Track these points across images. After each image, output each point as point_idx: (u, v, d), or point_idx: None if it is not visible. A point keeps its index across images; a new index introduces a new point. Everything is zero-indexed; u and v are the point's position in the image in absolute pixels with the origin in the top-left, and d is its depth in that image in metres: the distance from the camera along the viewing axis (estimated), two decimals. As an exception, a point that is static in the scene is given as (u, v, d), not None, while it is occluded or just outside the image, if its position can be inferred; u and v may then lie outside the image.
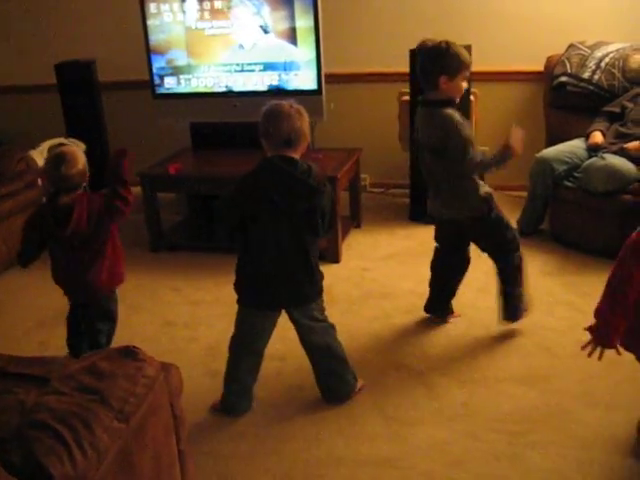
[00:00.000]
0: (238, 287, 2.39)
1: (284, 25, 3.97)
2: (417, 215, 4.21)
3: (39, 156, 4.32)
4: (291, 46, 3.99)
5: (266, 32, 4.01)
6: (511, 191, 4.41)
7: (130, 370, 1.53)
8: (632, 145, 3.54)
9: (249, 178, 2.29)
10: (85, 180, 2.60)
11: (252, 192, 2.25)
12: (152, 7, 4.15)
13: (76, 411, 1.40)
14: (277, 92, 4.10)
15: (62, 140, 4.54)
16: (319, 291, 2.41)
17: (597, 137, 3.72)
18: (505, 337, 2.87)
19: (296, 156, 2.27)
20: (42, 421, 1.39)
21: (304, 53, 3.98)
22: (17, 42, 5.20)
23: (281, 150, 2.26)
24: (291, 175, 2.21)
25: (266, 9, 3.97)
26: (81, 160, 2.57)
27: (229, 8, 4.04)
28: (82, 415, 1.39)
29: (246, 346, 2.43)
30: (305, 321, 2.40)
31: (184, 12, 4.11)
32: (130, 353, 1.58)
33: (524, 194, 3.99)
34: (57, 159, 2.50)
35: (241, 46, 4.09)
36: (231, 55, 4.13)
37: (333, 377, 2.49)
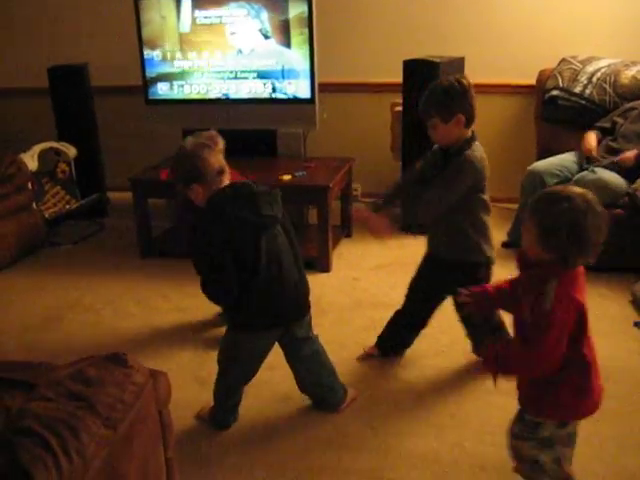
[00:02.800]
0: (245, 314, 2.26)
1: (279, 33, 3.98)
2: (408, 226, 4.22)
3: (30, 160, 4.31)
4: (288, 53, 3.99)
5: (267, 37, 4.01)
6: (501, 203, 4.43)
7: (118, 377, 1.52)
8: (625, 156, 3.56)
9: (219, 219, 2.16)
10: None
11: (236, 224, 2.14)
12: (146, 12, 4.16)
13: (63, 418, 1.39)
14: (270, 100, 4.11)
15: (53, 144, 4.53)
16: (310, 304, 2.41)
17: (591, 140, 3.72)
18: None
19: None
20: (28, 427, 1.38)
21: (298, 62, 3.98)
22: (9, 45, 5.18)
23: (219, 182, 2.23)
24: (252, 188, 2.20)
25: (263, 15, 3.98)
26: None
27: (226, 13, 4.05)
28: (69, 422, 1.38)
29: (246, 372, 2.39)
30: (302, 333, 2.38)
31: (179, 18, 4.11)
32: (118, 360, 1.56)
33: (514, 206, 4.01)
34: None
35: (240, 51, 4.09)
36: (227, 61, 4.13)
37: (323, 388, 2.48)
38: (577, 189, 1.74)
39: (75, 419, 1.39)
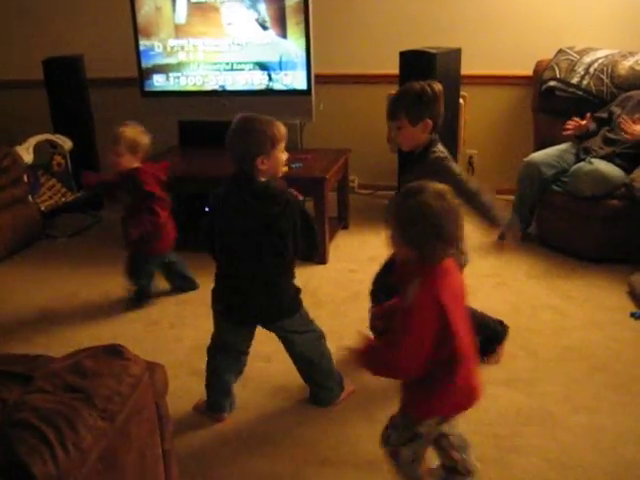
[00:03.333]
0: (213, 296, 2.42)
1: (275, 24, 3.96)
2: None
3: (25, 152, 4.29)
4: (284, 44, 3.98)
5: (265, 28, 3.99)
6: (498, 194, 4.42)
7: (115, 369, 1.51)
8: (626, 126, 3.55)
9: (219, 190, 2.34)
10: None
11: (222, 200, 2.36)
12: (141, 2, 4.14)
13: (60, 410, 1.38)
14: (267, 92, 4.10)
15: (49, 136, 4.52)
16: (292, 308, 2.38)
17: (587, 120, 3.72)
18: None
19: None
20: (25, 420, 1.37)
21: (295, 53, 3.97)
22: (4, 37, 5.16)
23: None
24: (255, 182, 2.28)
25: (260, 5, 3.96)
26: None
27: (221, 3, 4.03)
28: (66, 414, 1.37)
29: (222, 348, 2.43)
30: (283, 334, 2.40)
31: (174, 8, 4.09)
32: (116, 352, 1.56)
33: (511, 197, 4.00)
34: None
35: (236, 42, 4.08)
36: (223, 52, 4.11)
37: (315, 386, 2.49)
38: (433, 184, 1.72)
39: (72, 411, 1.38)
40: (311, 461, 2.20)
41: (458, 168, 2.47)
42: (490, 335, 2.69)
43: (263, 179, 2.22)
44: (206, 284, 3.42)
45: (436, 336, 1.66)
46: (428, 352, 1.66)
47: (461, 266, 2.49)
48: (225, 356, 2.42)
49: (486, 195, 2.42)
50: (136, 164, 3.18)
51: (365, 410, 2.45)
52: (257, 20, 3.99)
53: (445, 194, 1.69)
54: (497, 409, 2.41)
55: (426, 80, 2.46)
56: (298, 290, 2.40)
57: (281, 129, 2.23)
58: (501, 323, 2.74)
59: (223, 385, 2.44)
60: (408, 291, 1.70)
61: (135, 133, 3.19)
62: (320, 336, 2.47)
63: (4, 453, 1.31)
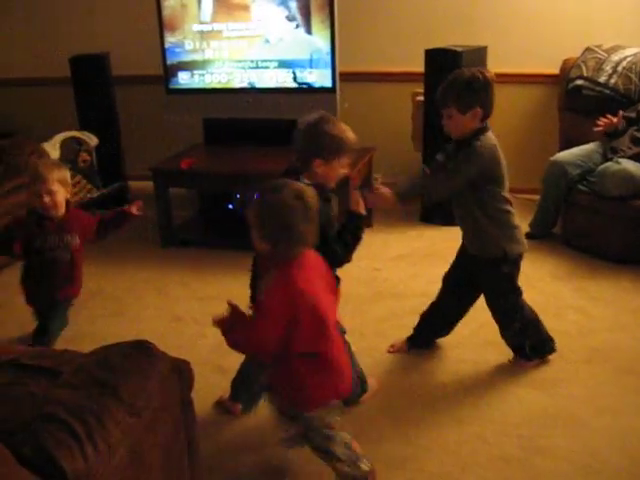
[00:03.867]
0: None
1: (301, 22, 3.96)
2: (428, 216, 4.20)
3: (52, 149, 4.34)
4: (309, 42, 3.98)
5: (297, 26, 3.98)
6: (523, 194, 4.39)
7: (143, 365, 1.53)
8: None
9: None
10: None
11: None
12: (167, 1, 4.16)
13: (88, 405, 1.40)
14: (291, 89, 4.10)
15: (75, 133, 4.56)
16: None
17: (618, 118, 3.62)
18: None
19: None
20: (54, 414, 1.39)
21: (320, 50, 3.97)
22: (33, 35, 5.21)
23: None
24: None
25: (290, 2, 3.96)
26: None
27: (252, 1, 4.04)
28: (94, 409, 1.39)
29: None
30: None
31: (200, 6, 4.11)
32: (143, 348, 1.57)
33: (536, 197, 3.97)
34: None
35: (266, 40, 4.08)
36: (248, 50, 4.13)
37: None
38: (295, 183, 1.86)
39: (100, 406, 1.40)
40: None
41: (485, 166, 2.41)
42: (536, 344, 2.67)
43: (308, 181, 2.16)
44: (229, 281, 3.46)
45: (290, 322, 1.76)
46: (281, 334, 1.76)
47: (520, 255, 2.53)
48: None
49: (428, 180, 2.52)
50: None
51: (389, 409, 2.44)
52: (287, 17, 3.98)
53: (303, 193, 1.78)
54: (521, 410, 2.40)
55: (477, 67, 2.44)
56: None
57: (352, 144, 2.18)
58: (552, 340, 2.71)
59: (256, 389, 2.42)
60: (266, 280, 1.84)
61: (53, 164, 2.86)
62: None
63: (33, 446, 1.32)
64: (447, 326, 2.80)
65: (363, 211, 2.20)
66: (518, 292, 2.61)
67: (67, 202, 2.72)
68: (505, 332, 2.66)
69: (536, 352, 2.67)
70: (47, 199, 2.61)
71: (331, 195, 2.24)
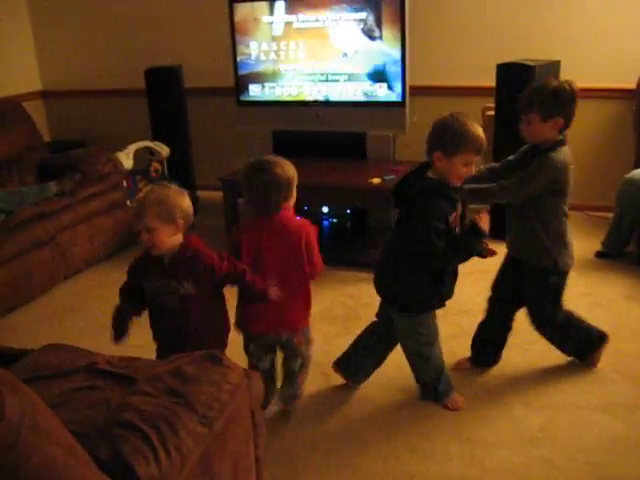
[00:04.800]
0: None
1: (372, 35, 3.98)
2: (494, 231, 4.13)
3: (125, 158, 4.46)
4: (379, 56, 3.99)
5: (372, 39, 4.00)
6: (595, 212, 4.29)
7: (215, 376, 1.55)
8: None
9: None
10: None
11: None
12: (240, 14, 4.23)
13: (162, 413, 1.43)
14: (360, 103, 4.11)
15: (148, 143, 4.67)
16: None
17: None
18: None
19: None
20: (129, 421, 1.42)
21: (390, 64, 3.97)
22: (111, 49, 5.37)
23: None
24: None
25: (366, 16, 3.98)
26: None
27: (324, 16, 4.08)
28: (167, 417, 1.42)
29: None
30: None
31: (273, 21, 4.16)
32: (215, 358, 1.60)
33: (609, 215, 3.87)
34: None
35: (345, 54, 4.10)
36: (319, 63, 4.16)
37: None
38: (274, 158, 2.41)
39: (173, 415, 1.43)
40: (400, 477, 2.18)
41: (556, 179, 2.42)
42: (583, 339, 2.69)
43: (432, 176, 2.24)
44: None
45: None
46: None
47: (568, 268, 2.55)
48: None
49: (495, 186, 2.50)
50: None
51: (455, 428, 2.41)
52: (363, 30, 3.99)
53: (262, 169, 2.33)
54: (593, 436, 2.33)
55: (565, 78, 2.46)
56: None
57: (477, 142, 2.20)
58: (600, 332, 2.71)
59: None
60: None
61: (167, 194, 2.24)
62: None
63: (109, 451, 1.36)
64: (499, 341, 2.79)
65: (486, 230, 2.28)
66: (560, 307, 2.62)
67: (186, 241, 2.23)
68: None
69: (587, 347, 2.72)
70: (145, 237, 2.16)
71: (454, 194, 2.26)
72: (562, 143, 2.42)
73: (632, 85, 4.19)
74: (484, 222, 2.28)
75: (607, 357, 2.80)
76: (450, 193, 2.26)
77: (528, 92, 2.43)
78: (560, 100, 2.35)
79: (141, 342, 3.01)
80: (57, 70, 5.63)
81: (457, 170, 2.24)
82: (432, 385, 2.52)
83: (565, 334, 2.69)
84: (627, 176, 3.70)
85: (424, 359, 2.49)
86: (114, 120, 5.48)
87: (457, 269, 2.43)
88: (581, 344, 2.72)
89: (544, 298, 2.60)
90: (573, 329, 2.68)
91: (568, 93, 2.35)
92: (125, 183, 4.39)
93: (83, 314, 3.48)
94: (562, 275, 2.56)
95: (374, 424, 2.45)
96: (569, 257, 2.54)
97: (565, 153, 2.42)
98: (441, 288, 2.39)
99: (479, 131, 2.21)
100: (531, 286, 2.61)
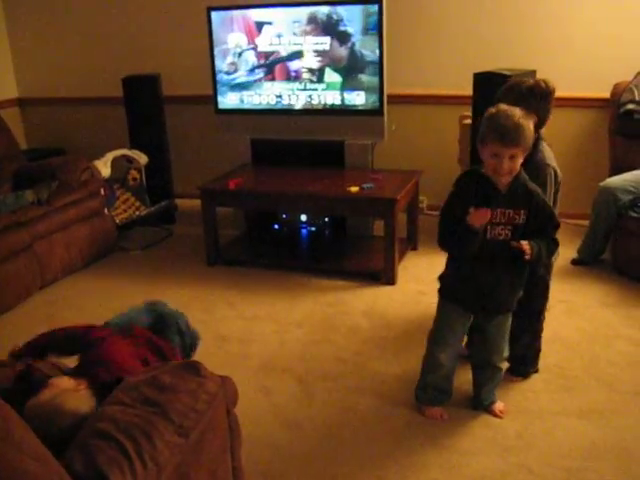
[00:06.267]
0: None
1: (350, 43, 4.00)
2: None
3: (103, 166, 4.43)
4: (357, 65, 4.01)
5: (342, 44, 4.02)
6: (571, 219, 4.33)
7: (192, 385, 1.54)
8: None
9: None
10: None
11: None
12: (217, 23, 4.24)
13: (138, 423, 1.42)
14: (338, 111, 4.13)
15: (125, 151, 4.65)
16: None
17: None
18: (563, 369, 2.80)
19: None
20: (105, 431, 1.41)
21: (367, 73, 3.99)
22: (88, 57, 5.35)
23: None
24: None
25: (337, 24, 4.00)
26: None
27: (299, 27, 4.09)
28: (144, 427, 1.41)
29: None
30: None
31: (249, 31, 4.18)
32: (192, 368, 1.59)
33: (585, 222, 3.92)
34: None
35: (310, 61, 4.14)
36: (296, 71, 4.18)
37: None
38: None
39: (150, 425, 1.42)
40: (377, 485, 2.18)
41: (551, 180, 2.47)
42: (519, 356, 2.66)
43: (483, 170, 2.20)
44: (275, 302, 3.49)
45: None
46: None
47: (554, 262, 2.58)
48: None
49: None
50: None
51: (432, 436, 2.41)
52: (338, 40, 4.01)
53: None
54: (569, 441, 2.35)
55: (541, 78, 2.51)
56: None
57: (498, 132, 2.08)
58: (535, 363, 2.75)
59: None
60: None
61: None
62: None
63: (84, 462, 1.35)
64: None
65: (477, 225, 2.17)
66: (547, 299, 2.66)
67: None
68: (515, 343, 2.59)
69: (521, 364, 2.71)
70: None
71: (489, 189, 2.19)
72: (540, 139, 2.46)
73: (607, 94, 4.25)
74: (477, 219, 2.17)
75: (583, 363, 2.83)
76: (483, 184, 2.19)
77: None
78: (535, 96, 2.39)
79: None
80: (34, 77, 5.59)
81: (486, 161, 2.17)
82: None
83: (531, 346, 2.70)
84: (602, 184, 3.74)
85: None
86: (92, 128, 5.45)
87: (480, 273, 2.30)
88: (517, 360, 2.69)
89: (534, 290, 2.56)
90: (529, 338, 2.68)
91: (543, 90, 2.40)
92: (103, 191, 4.37)
93: (59, 324, 3.43)
94: (549, 268, 2.59)
95: (352, 433, 2.45)
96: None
97: (548, 149, 2.48)
98: (449, 277, 2.40)
99: (505, 120, 2.09)
100: None
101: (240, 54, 4.25)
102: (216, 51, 4.29)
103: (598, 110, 4.39)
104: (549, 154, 2.48)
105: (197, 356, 2.07)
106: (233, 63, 4.28)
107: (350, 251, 4.09)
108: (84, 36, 5.32)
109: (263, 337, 3.18)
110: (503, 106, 2.15)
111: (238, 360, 2.99)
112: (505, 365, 2.51)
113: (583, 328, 3.15)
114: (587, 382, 2.71)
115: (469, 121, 4.14)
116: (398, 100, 4.38)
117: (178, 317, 2.35)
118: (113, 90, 4.96)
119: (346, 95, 4.09)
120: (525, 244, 2.18)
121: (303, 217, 4.32)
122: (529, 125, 2.11)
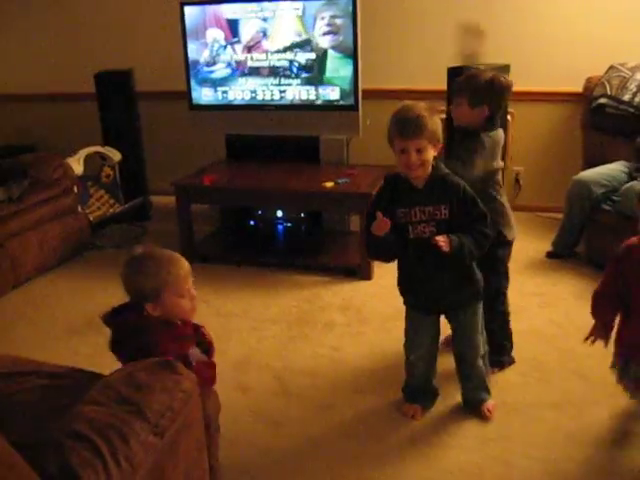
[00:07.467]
0: None
1: (323, 39, 3.98)
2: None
3: (76, 163, 4.38)
4: (331, 60, 4.00)
5: (311, 40, 4.01)
6: (545, 212, 4.37)
7: (168, 383, 1.52)
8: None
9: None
10: None
11: None
12: (191, 19, 4.20)
13: (113, 423, 1.40)
14: (313, 107, 4.12)
15: (98, 148, 4.60)
16: None
17: None
18: (538, 362, 2.82)
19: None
20: (79, 431, 1.38)
21: (342, 68, 3.98)
22: (59, 52, 5.28)
23: None
24: None
25: (309, 17, 3.99)
26: None
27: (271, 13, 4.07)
28: (119, 427, 1.39)
29: None
30: None
31: (222, 24, 4.15)
32: (168, 365, 1.57)
33: (559, 216, 3.94)
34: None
35: (284, 57, 4.12)
36: (270, 67, 4.16)
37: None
38: None
39: (125, 425, 1.40)
40: (355, 480, 2.18)
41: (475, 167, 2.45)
42: (493, 346, 2.63)
43: None
44: (250, 299, 3.47)
45: None
46: None
47: (511, 240, 2.60)
48: None
49: None
50: None
51: (409, 430, 2.41)
52: (304, 33, 4.00)
53: None
54: (546, 432, 2.36)
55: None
56: None
57: (395, 126, 2.22)
58: (510, 356, 2.78)
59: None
60: None
61: None
62: None
63: (58, 464, 1.32)
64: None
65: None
66: (507, 279, 2.68)
67: None
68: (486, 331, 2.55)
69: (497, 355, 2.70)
70: None
71: (406, 188, 2.23)
72: (493, 128, 2.49)
73: (579, 89, 4.28)
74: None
75: (558, 355, 2.85)
76: (400, 184, 2.21)
77: (465, 77, 2.56)
78: (490, 91, 2.43)
79: (91, 351, 2.99)
80: (3, 72, 5.51)
81: (397, 159, 2.18)
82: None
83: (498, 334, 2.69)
84: (575, 177, 3.77)
85: None
86: (64, 125, 5.38)
87: (418, 273, 2.29)
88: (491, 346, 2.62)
89: (494, 269, 2.55)
90: (497, 325, 2.67)
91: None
92: (76, 189, 4.31)
93: (33, 323, 3.40)
94: (507, 246, 2.61)
95: (330, 428, 2.45)
96: (512, 228, 2.60)
97: (499, 135, 2.53)
98: (400, 283, 2.38)
99: (406, 113, 2.15)
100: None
101: (215, 49, 4.22)
102: (192, 46, 4.25)
103: (571, 104, 4.43)
104: (490, 142, 2.48)
105: (173, 354, 2.06)
106: (209, 58, 4.25)
107: (326, 247, 4.09)
108: (55, 30, 5.25)
109: (239, 334, 3.16)
110: (407, 102, 2.20)
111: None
112: (481, 363, 2.50)
113: (558, 320, 3.17)
114: (563, 374, 2.73)
115: (443, 115, 4.15)
116: (373, 95, 4.37)
117: None
118: (85, 86, 4.88)
119: (321, 90, 4.08)
120: (439, 238, 2.11)
121: (279, 213, 4.31)
122: (432, 117, 2.13)
